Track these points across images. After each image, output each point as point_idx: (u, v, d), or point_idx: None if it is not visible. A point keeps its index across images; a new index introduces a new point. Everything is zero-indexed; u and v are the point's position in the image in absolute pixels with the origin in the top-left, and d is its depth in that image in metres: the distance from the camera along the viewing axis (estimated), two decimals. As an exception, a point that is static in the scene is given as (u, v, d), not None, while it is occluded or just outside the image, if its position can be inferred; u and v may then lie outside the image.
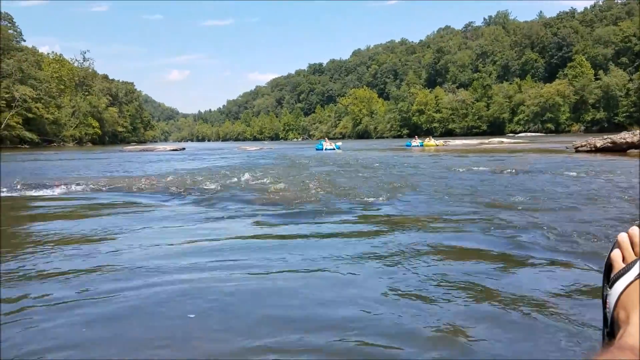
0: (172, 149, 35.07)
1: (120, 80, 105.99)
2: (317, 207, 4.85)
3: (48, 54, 78.41)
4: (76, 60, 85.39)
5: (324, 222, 4.14)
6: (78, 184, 7.70)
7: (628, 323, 0.81)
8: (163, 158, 21.32)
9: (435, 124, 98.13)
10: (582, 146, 13.42)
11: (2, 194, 6.40)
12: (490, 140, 32.57)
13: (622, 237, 0.98)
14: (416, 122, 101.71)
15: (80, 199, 6.00)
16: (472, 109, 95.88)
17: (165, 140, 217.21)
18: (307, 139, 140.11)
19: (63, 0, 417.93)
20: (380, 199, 5.43)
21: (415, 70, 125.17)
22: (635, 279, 0.89)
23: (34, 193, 6.57)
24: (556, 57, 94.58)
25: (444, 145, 28.63)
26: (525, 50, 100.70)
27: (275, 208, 4.92)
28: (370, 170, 10.47)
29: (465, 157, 14.84)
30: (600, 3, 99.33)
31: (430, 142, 29.75)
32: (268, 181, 7.86)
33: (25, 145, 54.06)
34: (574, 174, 7.64)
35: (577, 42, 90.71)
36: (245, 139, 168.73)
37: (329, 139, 32.90)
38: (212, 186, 7.17)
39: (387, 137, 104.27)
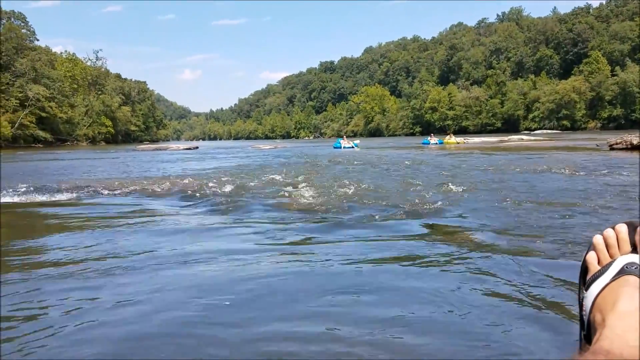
0: (185, 147, 34.84)
1: (133, 80, 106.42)
2: (361, 216, 4.14)
3: (61, 53, 78.86)
4: (89, 59, 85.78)
5: (379, 239, 3.28)
6: (90, 187, 7.17)
7: (604, 326, 0.80)
8: (177, 157, 20.91)
9: (449, 122, 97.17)
10: (617, 144, 12.78)
11: (10, 199, 5.93)
12: (509, 137, 31.84)
13: (597, 239, 0.98)
14: (429, 120, 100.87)
15: (92, 205, 5.45)
16: (486, 106, 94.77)
17: (178, 139, 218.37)
18: (318, 137, 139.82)
19: (77, 1, 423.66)
20: (437, 204, 4.56)
21: (428, 68, 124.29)
22: (610, 281, 0.89)
23: (43, 198, 6.01)
24: (571, 53, 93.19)
25: (464, 142, 28.01)
26: (539, 46, 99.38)
27: (312, 217, 4.22)
28: (403, 169, 9.73)
29: (496, 154, 14.16)
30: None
31: (451, 139, 29.19)
32: (296, 183, 7.29)
33: (39, 145, 54.27)
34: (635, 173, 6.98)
35: (593, 38, 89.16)
36: (256, 138, 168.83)
37: (347, 137, 32.47)
38: (235, 189, 6.63)
39: (399, 135, 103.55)
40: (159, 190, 6.77)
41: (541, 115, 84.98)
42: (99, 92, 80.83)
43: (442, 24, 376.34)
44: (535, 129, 77.91)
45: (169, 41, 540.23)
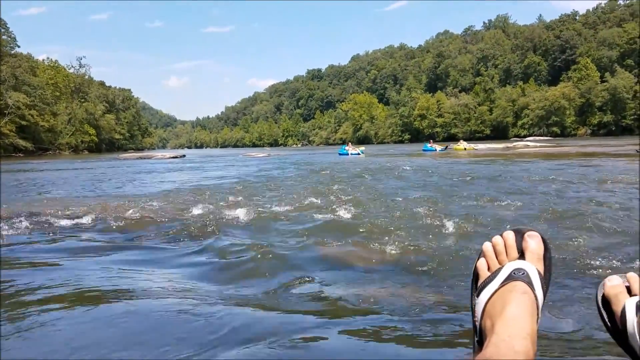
0: (171, 156, 33.34)
1: (118, 87, 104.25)
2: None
3: (43, 60, 76.56)
4: (72, 66, 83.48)
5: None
6: (35, 217, 5.18)
7: (493, 332, 0.82)
8: (162, 167, 19.14)
9: (438, 129, 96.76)
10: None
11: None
12: (514, 144, 30.86)
13: (487, 246, 1.01)
14: (418, 127, 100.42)
15: (19, 266, 3.16)
16: (475, 113, 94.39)
17: (163, 147, 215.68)
18: (306, 145, 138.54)
19: (62, 10, 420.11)
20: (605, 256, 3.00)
21: (415, 75, 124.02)
22: (499, 288, 0.91)
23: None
24: (559, 59, 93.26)
25: (473, 149, 26.97)
26: (527, 53, 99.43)
27: (417, 290, 2.52)
28: (462, 184, 7.83)
29: (535, 162, 12.75)
30: (603, 5, 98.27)
31: (460, 146, 28.40)
32: (330, 207, 5.42)
33: (20, 154, 52.06)
34: None
35: (581, 44, 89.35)
36: (244, 146, 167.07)
37: (352, 144, 31.87)
38: (243, 216, 4.83)
39: (388, 143, 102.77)
40: (135, 221, 4.87)
41: (530, 122, 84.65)
42: (82, 100, 78.57)
43: (428, 32, 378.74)
44: (524, 136, 77.43)
45: (155, 49, 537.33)
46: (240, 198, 6.67)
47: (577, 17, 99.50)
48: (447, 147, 29.60)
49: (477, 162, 14.60)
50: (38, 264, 3.16)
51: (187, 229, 4.36)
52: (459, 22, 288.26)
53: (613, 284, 0.90)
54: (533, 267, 0.92)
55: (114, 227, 4.58)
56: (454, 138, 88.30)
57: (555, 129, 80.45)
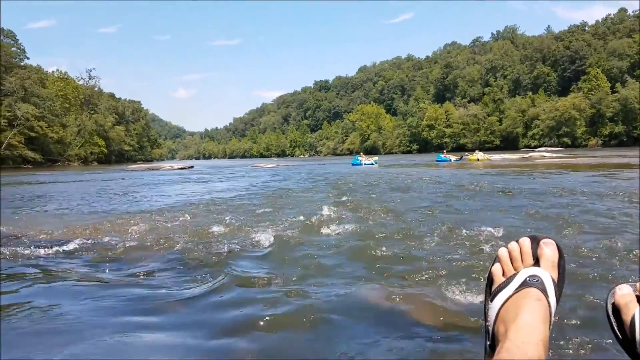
0: (180, 167, 33.11)
1: (127, 99, 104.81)
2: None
3: (53, 72, 77.01)
4: (81, 78, 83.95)
5: None
6: (24, 240, 4.61)
7: (506, 337, 0.82)
8: (171, 179, 18.59)
9: (446, 139, 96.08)
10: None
11: None
12: (530, 154, 30.30)
13: (502, 252, 1.01)
14: (426, 138, 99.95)
15: None
16: (484, 123, 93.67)
17: (172, 158, 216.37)
18: (314, 155, 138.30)
19: (72, 23, 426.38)
20: None
21: (423, 86, 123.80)
22: (513, 293, 0.91)
23: None
24: (569, 70, 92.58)
25: (487, 159, 26.41)
26: (536, 64, 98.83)
27: None
28: (504, 200, 6.93)
29: (565, 175, 11.94)
30: (612, 16, 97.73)
31: (474, 156, 27.94)
32: (359, 229, 4.70)
33: (28, 165, 51.99)
34: None
35: (591, 55, 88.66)
36: (252, 156, 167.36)
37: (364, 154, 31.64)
38: (259, 240, 4.18)
39: (396, 153, 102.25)
40: (131, 244, 4.19)
41: (541, 132, 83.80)
42: (92, 112, 78.89)
43: (435, 43, 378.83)
44: (535, 147, 76.65)
45: (164, 61, 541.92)
46: (253, 215, 6.10)
47: (587, 28, 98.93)
48: (462, 157, 29.01)
49: (503, 173, 13.78)
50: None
51: (191, 259, 3.69)
52: (467, 34, 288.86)
53: (623, 293, 0.90)
54: (547, 274, 0.93)
55: (109, 255, 3.92)
56: (463, 148, 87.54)
57: (566, 139, 79.56)
